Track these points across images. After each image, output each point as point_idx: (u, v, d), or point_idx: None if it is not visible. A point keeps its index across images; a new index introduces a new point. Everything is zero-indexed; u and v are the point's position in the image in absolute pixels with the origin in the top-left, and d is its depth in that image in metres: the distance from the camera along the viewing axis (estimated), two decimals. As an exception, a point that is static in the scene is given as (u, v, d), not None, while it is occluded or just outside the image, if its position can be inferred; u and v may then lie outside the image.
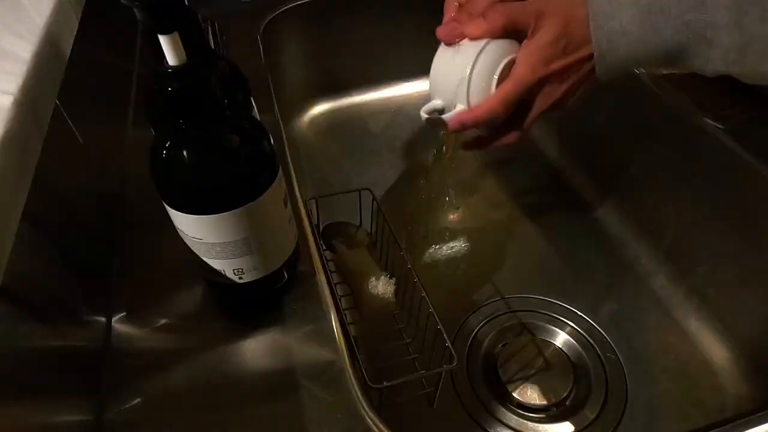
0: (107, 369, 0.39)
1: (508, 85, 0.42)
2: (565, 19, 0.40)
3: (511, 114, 0.44)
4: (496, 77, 0.42)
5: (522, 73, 0.42)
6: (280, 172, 0.37)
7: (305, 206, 0.51)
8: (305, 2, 0.84)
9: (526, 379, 0.58)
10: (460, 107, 0.43)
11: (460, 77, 0.42)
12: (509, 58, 0.42)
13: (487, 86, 0.43)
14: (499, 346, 0.61)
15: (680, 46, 0.37)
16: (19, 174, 0.33)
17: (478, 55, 0.42)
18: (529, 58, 0.42)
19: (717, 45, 0.36)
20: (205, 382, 0.38)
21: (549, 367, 0.59)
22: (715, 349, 0.59)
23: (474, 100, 0.43)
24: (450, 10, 0.46)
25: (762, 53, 0.35)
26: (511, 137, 0.46)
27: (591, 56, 0.40)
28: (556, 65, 0.41)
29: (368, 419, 0.36)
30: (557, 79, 0.42)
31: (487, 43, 0.42)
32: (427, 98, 0.47)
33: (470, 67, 0.42)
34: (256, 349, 0.41)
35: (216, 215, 0.34)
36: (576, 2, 0.40)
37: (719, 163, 0.56)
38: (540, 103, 0.43)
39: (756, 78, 0.37)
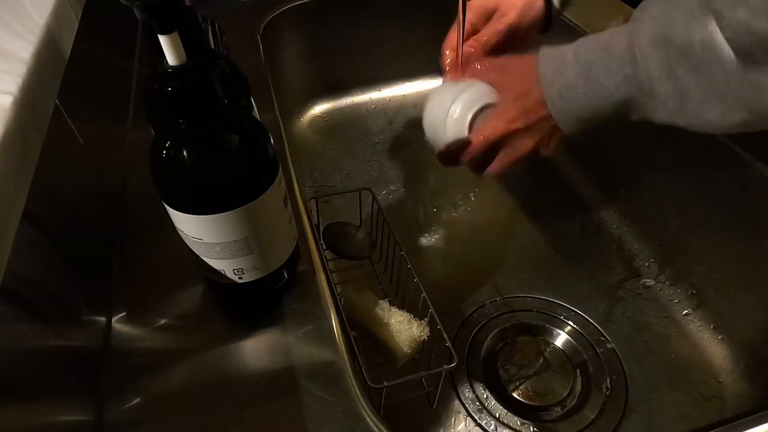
0: (107, 369, 0.39)
1: (476, 135, 0.47)
2: (520, 82, 0.45)
3: (488, 155, 0.48)
4: (470, 116, 0.47)
5: (487, 128, 0.47)
6: (280, 172, 0.37)
7: (305, 206, 0.51)
8: (305, 2, 0.84)
9: (526, 379, 0.58)
10: (447, 138, 0.48)
11: (444, 109, 0.48)
12: (484, 103, 0.47)
13: (462, 122, 0.47)
14: (499, 346, 0.61)
15: (627, 96, 0.40)
16: (19, 174, 0.33)
17: (460, 93, 0.47)
18: (497, 116, 0.46)
19: (656, 94, 0.38)
20: (205, 382, 0.38)
21: (549, 367, 0.59)
22: (715, 349, 0.59)
23: (450, 133, 0.48)
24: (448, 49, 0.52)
25: (700, 101, 0.36)
26: (488, 171, 0.50)
27: (550, 114, 0.44)
28: (517, 124, 0.45)
29: (368, 419, 0.36)
30: (525, 135, 0.46)
31: (469, 86, 0.48)
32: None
33: (452, 102, 0.47)
34: (256, 349, 0.41)
35: (216, 215, 0.34)
36: (530, 63, 0.44)
37: (719, 163, 0.57)
38: (508, 154, 0.47)
39: (704, 127, 0.37)
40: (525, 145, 0.46)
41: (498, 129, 0.46)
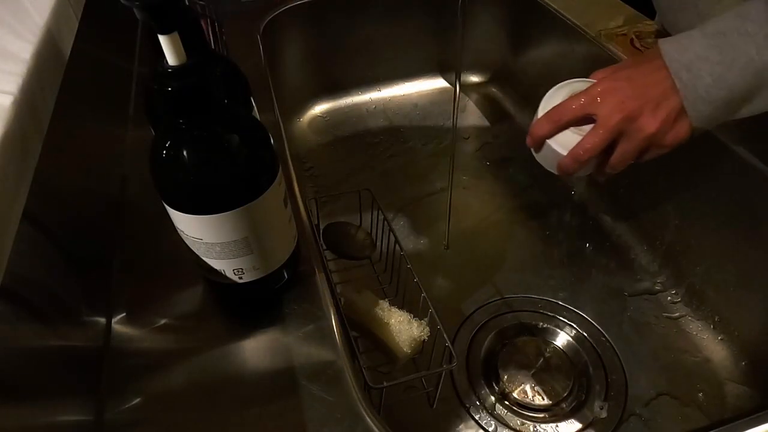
0: (107, 369, 0.39)
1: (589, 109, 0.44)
2: (636, 66, 0.43)
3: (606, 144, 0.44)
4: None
5: (603, 107, 0.43)
6: (280, 172, 0.37)
7: (305, 206, 0.51)
8: (305, 2, 0.84)
9: (526, 379, 0.58)
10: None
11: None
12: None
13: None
14: (499, 346, 0.61)
15: None
16: (19, 174, 0.33)
17: None
18: (612, 93, 0.43)
19: None
20: (205, 382, 0.38)
21: (549, 367, 0.59)
22: (715, 349, 0.59)
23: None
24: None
25: None
26: (610, 164, 0.46)
27: (676, 89, 0.40)
28: (637, 103, 0.41)
29: (368, 419, 0.36)
30: (646, 113, 0.41)
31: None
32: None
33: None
34: (256, 349, 0.41)
35: (216, 215, 0.34)
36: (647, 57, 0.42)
37: (719, 163, 0.56)
38: (630, 140, 0.43)
39: None
40: (647, 125, 0.41)
41: (616, 105, 0.41)
